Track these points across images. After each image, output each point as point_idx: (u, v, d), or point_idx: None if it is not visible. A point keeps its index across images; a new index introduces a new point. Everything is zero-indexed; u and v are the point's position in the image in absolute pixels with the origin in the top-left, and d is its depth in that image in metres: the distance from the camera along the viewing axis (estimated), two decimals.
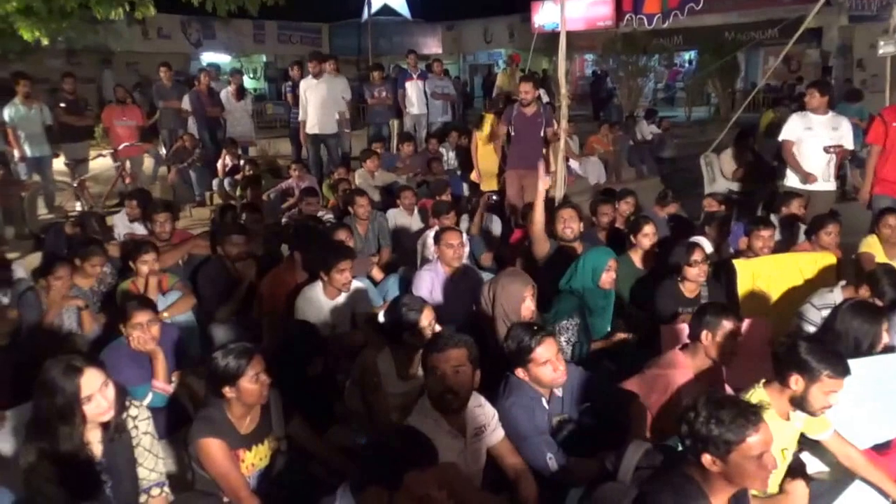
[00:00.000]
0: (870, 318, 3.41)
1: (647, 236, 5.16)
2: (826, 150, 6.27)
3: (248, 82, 22.75)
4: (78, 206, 8.65)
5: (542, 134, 7.18)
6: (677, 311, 4.46)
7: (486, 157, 8.17)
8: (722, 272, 5.01)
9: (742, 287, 4.80)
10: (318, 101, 9.28)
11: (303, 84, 9.45)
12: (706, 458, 2.18)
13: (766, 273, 4.80)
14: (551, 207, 5.64)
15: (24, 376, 3.15)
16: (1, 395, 3.54)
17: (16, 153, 8.69)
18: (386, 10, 24.28)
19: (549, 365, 3.04)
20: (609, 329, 4.43)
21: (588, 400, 3.28)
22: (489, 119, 8.27)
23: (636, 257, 5.18)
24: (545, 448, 2.95)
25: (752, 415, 2.18)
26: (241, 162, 8.85)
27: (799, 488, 2.83)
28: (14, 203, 8.03)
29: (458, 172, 9.25)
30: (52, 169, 9.09)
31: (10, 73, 9.15)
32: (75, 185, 8.94)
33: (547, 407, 3.12)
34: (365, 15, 20.00)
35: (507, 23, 24.72)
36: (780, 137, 6.56)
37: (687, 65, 24.60)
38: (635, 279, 5.03)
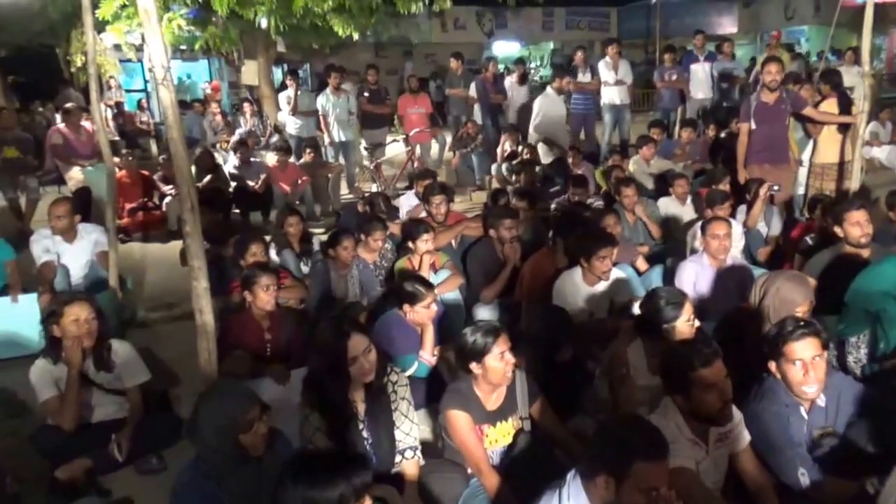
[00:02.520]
0: None
1: None
2: None
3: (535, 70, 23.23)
4: (374, 187, 9.56)
5: (787, 122, 6.47)
6: None
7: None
8: None
9: None
10: None
11: None
12: None
13: None
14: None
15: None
16: (294, 356, 4.06)
17: (325, 138, 9.80)
18: None
19: (801, 366, 2.74)
20: None
21: (859, 413, 2.89)
22: None
23: None
24: (797, 462, 2.68)
25: None
26: (520, 147, 9.09)
27: None
28: (322, 183, 9.09)
29: None
30: (356, 152, 10.13)
31: (325, 67, 10.36)
32: (372, 167, 9.91)
33: (806, 417, 2.83)
34: None
35: None
36: None
37: None
38: None
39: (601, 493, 2.14)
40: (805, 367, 2.76)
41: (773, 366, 2.85)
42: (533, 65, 23.06)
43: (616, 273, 4.53)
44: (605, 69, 10.08)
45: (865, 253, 4.40)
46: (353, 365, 2.89)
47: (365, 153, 10.20)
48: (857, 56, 10.06)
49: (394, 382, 3.12)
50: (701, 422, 2.65)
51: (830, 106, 6.92)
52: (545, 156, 9.41)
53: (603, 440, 2.24)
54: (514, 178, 8.33)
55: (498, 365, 2.93)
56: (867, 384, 3.47)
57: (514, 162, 8.69)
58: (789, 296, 3.44)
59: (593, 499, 2.17)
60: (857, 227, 4.36)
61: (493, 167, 9.50)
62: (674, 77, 10.52)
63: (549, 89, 10.12)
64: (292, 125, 10.38)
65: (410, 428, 3.09)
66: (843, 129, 6.80)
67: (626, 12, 23.76)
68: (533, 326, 3.98)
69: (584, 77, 10.21)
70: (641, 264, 5.46)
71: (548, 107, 9.89)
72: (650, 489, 2.08)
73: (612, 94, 10.14)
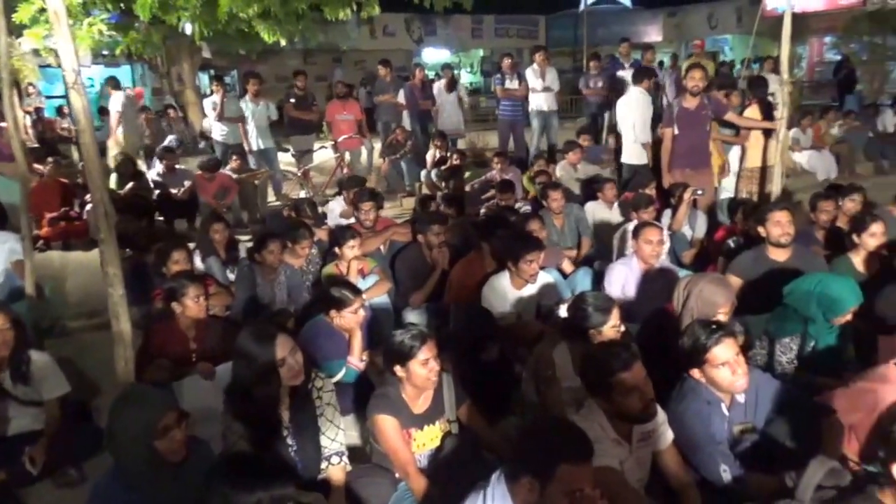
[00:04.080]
0: None
1: (875, 236, 4.57)
2: None
3: (465, 77, 23.44)
4: (302, 194, 9.44)
5: (708, 128, 6.70)
6: None
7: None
8: None
9: None
10: None
11: None
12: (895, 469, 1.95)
13: None
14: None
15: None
16: (214, 360, 3.95)
17: (246, 146, 9.67)
18: None
19: (727, 367, 2.82)
20: (840, 344, 3.97)
21: (777, 410, 2.98)
22: None
23: (857, 259, 4.64)
24: (719, 458, 2.75)
25: None
26: (448, 153, 9.14)
27: None
28: (249, 190, 8.93)
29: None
30: (277, 160, 10.01)
31: (243, 74, 10.19)
32: (300, 174, 9.79)
33: (727, 413, 2.90)
34: (582, 5, 19.78)
35: (735, 6, 23.18)
36: None
37: None
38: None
39: (525, 494, 2.13)
40: (731, 367, 2.84)
41: (696, 373, 2.91)
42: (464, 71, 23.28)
43: (543, 276, 4.59)
44: (532, 76, 10.22)
45: (786, 253, 4.56)
46: (282, 366, 2.85)
47: (292, 160, 10.07)
48: (775, 64, 10.49)
49: (318, 388, 3.08)
50: (624, 421, 2.69)
51: (753, 112, 7.18)
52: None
53: (527, 443, 2.25)
54: (443, 183, 8.36)
55: (421, 371, 2.94)
56: (793, 382, 3.61)
57: (443, 168, 8.73)
58: (711, 298, 3.52)
59: (517, 500, 2.16)
60: (777, 226, 4.51)
61: (423, 173, 9.53)
62: (599, 84, 10.73)
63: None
64: (218, 132, 10.17)
65: (336, 434, 3.05)
66: (768, 134, 7.05)
67: (554, 21, 24.24)
68: (459, 329, 3.99)
69: (511, 84, 10.34)
70: (568, 267, 5.56)
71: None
72: (574, 490, 2.09)
73: (539, 101, 10.27)
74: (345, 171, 9.76)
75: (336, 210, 7.08)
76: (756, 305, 4.18)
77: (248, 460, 2.13)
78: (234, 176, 8.75)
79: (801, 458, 2.64)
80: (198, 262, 5.54)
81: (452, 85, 11.10)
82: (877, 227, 4.60)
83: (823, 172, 9.99)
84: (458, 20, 21.75)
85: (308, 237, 5.27)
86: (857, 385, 3.07)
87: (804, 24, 19.07)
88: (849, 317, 3.69)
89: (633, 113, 7.72)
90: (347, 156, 10.04)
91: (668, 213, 6.34)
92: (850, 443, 2.98)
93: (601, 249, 6.21)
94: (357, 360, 3.93)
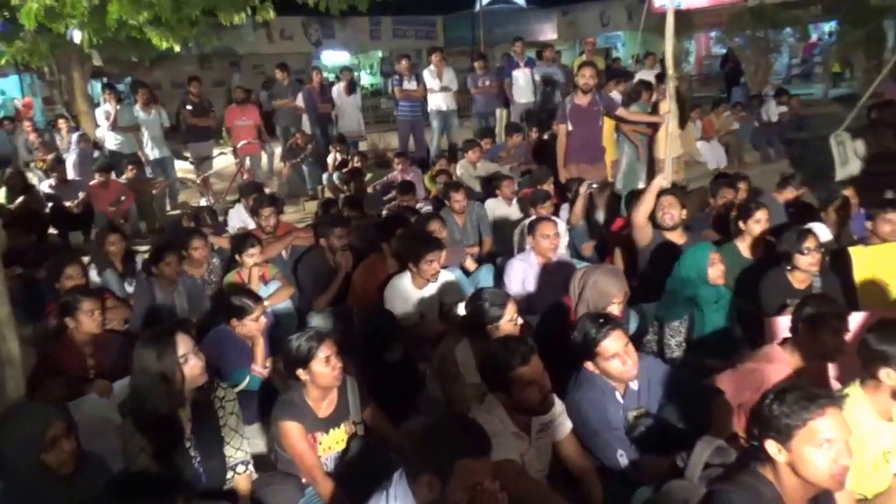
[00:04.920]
0: None
1: (759, 223, 4.80)
2: None
3: (366, 78, 23.33)
4: (203, 202, 9.20)
5: (600, 123, 6.94)
6: (785, 303, 4.13)
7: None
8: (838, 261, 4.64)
9: (860, 277, 4.42)
10: None
11: None
12: (769, 445, 2.06)
13: (887, 260, 4.40)
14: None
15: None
16: (113, 376, 3.83)
17: (142, 155, 9.36)
18: None
19: (617, 359, 2.93)
20: (727, 325, 4.22)
21: (669, 394, 3.12)
22: None
23: (743, 245, 4.86)
24: (615, 444, 2.85)
25: (821, 398, 2.05)
26: (349, 156, 9.10)
27: None
28: (146, 200, 8.65)
29: None
30: (174, 168, 9.71)
31: (130, 84, 9.86)
32: (199, 181, 9.53)
33: (621, 401, 3.01)
34: (478, 5, 20.00)
35: (625, 4, 23.97)
36: None
37: (826, 37, 22.85)
38: (741, 269, 4.73)
39: (426, 492, 2.15)
40: (621, 358, 2.95)
41: (590, 365, 3.01)
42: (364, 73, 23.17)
43: (445, 275, 4.63)
44: (429, 77, 10.29)
45: (677, 238, 4.77)
46: (185, 363, 2.80)
47: (191, 167, 9.79)
48: (653, 60, 10.91)
49: (221, 398, 3.04)
50: (523, 414, 2.75)
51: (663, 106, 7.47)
52: None
53: (425, 440, 2.27)
54: (345, 186, 8.32)
55: (324, 370, 2.94)
56: (683, 366, 3.78)
57: (345, 170, 8.68)
58: (605, 288, 3.64)
59: (419, 498, 2.18)
60: (660, 210, 4.75)
61: (325, 176, 9.45)
62: (487, 83, 10.88)
63: None
64: (112, 141, 9.81)
65: (241, 443, 3.02)
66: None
67: (451, 21, 24.38)
68: (362, 331, 3.98)
69: (409, 85, 10.38)
70: (471, 265, 5.61)
71: None
72: (474, 485, 2.12)
73: (438, 101, 10.36)
74: (245, 176, 9.57)
75: (235, 217, 6.93)
76: (651, 294, 4.37)
77: (139, 479, 2.10)
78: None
79: (692, 439, 2.78)
80: (94, 276, 5.36)
81: (352, 87, 11.06)
82: (761, 214, 4.81)
83: (714, 162, 10.43)
84: (356, 22, 21.58)
85: (200, 240, 5.17)
86: (744, 366, 3.24)
87: (690, 19, 19.93)
88: (721, 267, 4.06)
89: None
90: (248, 161, 9.84)
91: (565, 207, 6.50)
92: (740, 421, 3.14)
93: (502, 246, 6.31)
94: (261, 367, 3.89)
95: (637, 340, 4.20)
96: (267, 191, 8.04)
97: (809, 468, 2.03)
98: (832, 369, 3.33)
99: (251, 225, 6.53)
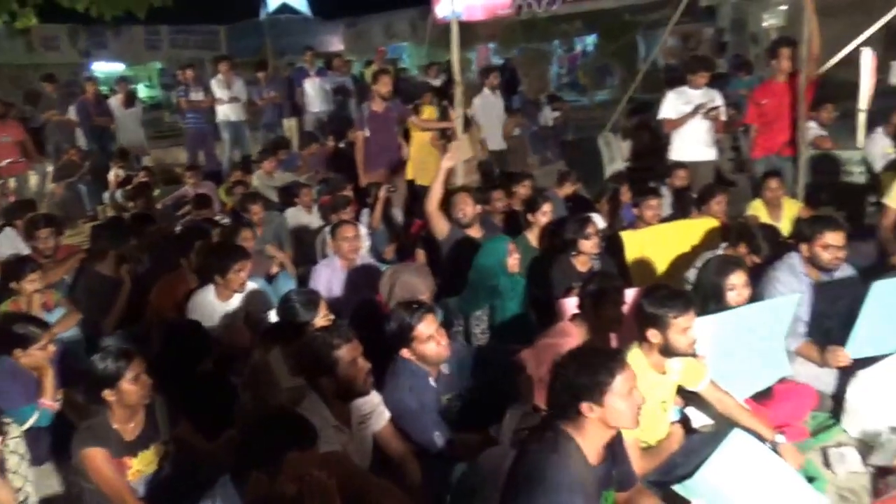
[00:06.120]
0: (718, 271, 3.59)
1: (546, 214, 5.22)
2: (700, 111, 6.50)
3: (144, 91, 21.99)
4: None
5: (395, 129, 7.28)
6: (571, 285, 4.55)
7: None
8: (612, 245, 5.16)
9: (631, 257, 4.95)
10: None
11: None
12: (584, 407, 2.29)
13: (654, 242, 4.98)
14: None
15: None
16: None
17: None
18: (285, 8, 23.83)
19: (432, 341, 3.10)
20: (523, 311, 4.50)
21: (477, 376, 3.32)
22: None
23: (532, 237, 5.26)
24: (431, 426, 2.99)
25: (615, 355, 2.38)
26: (134, 171, 8.56)
27: (677, 431, 3.09)
28: None
29: None
30: None
31: None
32: None
33: (435, 385, 3.16)
34: (262, 14, 19.62)
35: (408, 17, 24.65)
36: (660, 116, 6.82)
37: (590, 48, 25.01)
38: (531, 258, 5.10)
39: (255, 490, 2.15)
40: (435, 339, 3.12)
41: (406, 352, 3.14)
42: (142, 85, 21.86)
43: (249, 285, 4.53)
44: (218, 86, 9.98)
45: (475, 233, 5.06)
46: None
47: None
48: (437, 70, 11.39)
49: (2, 436, 2.78)
50: (347, 399, 2.83)
51: (430, 112, 7.78)
52: None
53: (250, 440, 2.26)
54: (130, 203, 7.82)
55: (133, 387, 2.84)
56: (488, 350, 4.01)
57: (130, 187, 8.16)
58: (413, 286, 3.84)
59: (248, 497, 2.17)
60: (454, 208, 5.03)
61: (106, 195, 8.81)
62: (271, 94, 10.77)
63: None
64: None
65: (23, 483, 2.84)
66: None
67: (235, 30, 23.66)
68: (167, 347, 3.80)
69: (196, 95, 10.00)
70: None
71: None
72: (303, 476, 2.15)
73: (227, 112, 10.07)
74: (10, 199, 8.65)
75: (5, 243, 6.27)
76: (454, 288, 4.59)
77: None
78: None
79: (502, 414, 2.98)
80: None
81: (130, 100, 10.41)
82: (547, 207, 5.26)
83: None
84: (130, 32, 20.24)
85: None
86: (541, 342, 3.52)
87: (471, 31, 20.97)
88: (517, 256, 4.38)
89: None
90: (12, 182, 8.88)
91: (366, 212, 6.61)
92: (540, 394, 3.40)
93: (305, 254, 6.28)
94: (51, 400, 3.56)
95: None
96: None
97: (618, 416, 2.31)
98: (614, 340, 3.69)
99: (25, 250, 5.96)
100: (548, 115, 13.32)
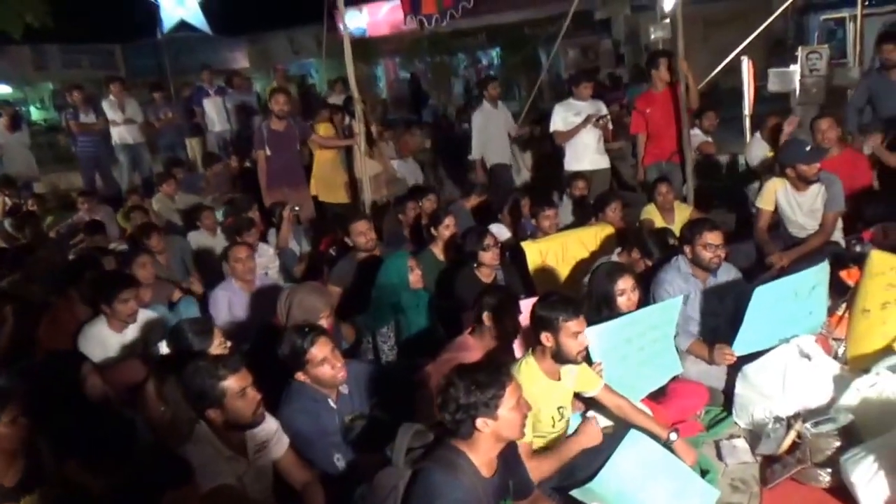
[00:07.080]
0: (607, 277, 3.72)
1: (448, 227, 5.28)
2: (590, 121, 6.70)
3: (36, 113, 21.02)
4: None
5: (297, 148, 7.27)
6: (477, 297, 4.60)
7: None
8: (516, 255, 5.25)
9: (533, 267, 5.05)
10: None
11: None
12: (480, 422, 2.33)
13: (553, 251, 5.09)
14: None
15: None
16: None
17: None
18: (185, 26, 23.19)
19: (327, 363, 3.05)
20: (430, 325, 4.51)
21: (380, 393, 3.31)
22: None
23: (437, 250, 5.30)
24: (331, 450, 2.96)
25: (501, 367, 2.44)
26: (21, 200, 8.14)
27: (589, 427, 3.15)
28: None
29: None
30: None
31: None
32: None
33: (335, 407, 3.12)
34: (160, 33, 19.03)
35: (313, 32, 24.41)
36: (551, 129, 6.99)
37: (495, 61, 25.41)
38: (438, 272, 5.14)
39: None
40: (329, 362, 3.06)
41: (300, 376, 3.08)
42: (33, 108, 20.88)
43: (145, 314, 4.38)
44: (110, 108, 9.66)
45: (379, 251, 5.07)
46: None
47: None
48: (342, 86, 11.34)
49: None
50: (237, 430, 2.74)
51: (326, 129, 7.76)
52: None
53: (129, 483, 2.18)
54: (19, 234, 7.43)
55: (9, 431, 2.65)
56: (396, 367, 4.00)
57: (17, 216, 7.75)
58: (311, 305, 3.77)
59: None
60: (357, 234, 5.00)
61: None
62: (169, 114, 10.55)
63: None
64: None
65: None
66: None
67: (131, 50, 22.93)
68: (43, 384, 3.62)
69: (87, 118, 9.64)
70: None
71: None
72: None
73: (123, 134, 9.77)
74: None
75: None
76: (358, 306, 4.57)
77: None
78: None
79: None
80: None
81: (16, 123, 9.91)
82: (449, 220, 5.32)
83: (412, 178, 11.08)
84: (17, 51, 19.29)
85: None
86: (443, 356, 3.54)
87: (374, 46, 20.99)
88: (418, 272, 4.42)
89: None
90: None
91: (272, 232, 6.51)
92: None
93: (210, 278, 6.10)
94: None
95: (353, 350, 4.41)
96: None
97: (510, 427, 2.38)
98: (518, 349, 3.75)
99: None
100: (456, 128, 13.45)
